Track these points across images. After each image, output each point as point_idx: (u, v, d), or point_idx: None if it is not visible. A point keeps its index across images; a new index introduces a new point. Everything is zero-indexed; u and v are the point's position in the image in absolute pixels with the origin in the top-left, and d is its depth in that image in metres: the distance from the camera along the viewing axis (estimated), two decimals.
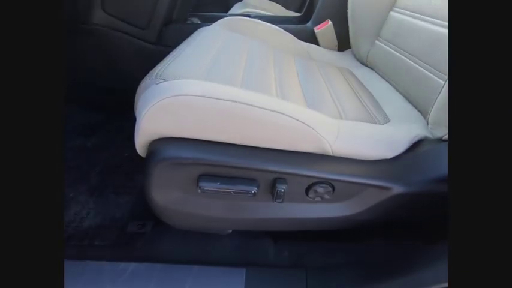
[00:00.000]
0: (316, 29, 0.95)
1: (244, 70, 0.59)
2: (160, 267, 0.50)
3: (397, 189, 0.44)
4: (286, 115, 0.41)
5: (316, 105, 0.55)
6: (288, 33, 0.88)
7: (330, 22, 0.93)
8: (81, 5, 0.84)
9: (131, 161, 0.82)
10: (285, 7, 1.84)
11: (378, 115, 0.56)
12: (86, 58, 0.94)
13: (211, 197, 0.44)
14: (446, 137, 0.48)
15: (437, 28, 0.57)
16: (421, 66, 0.59)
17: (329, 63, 0.84)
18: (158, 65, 0.54)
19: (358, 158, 0.45)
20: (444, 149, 0.47)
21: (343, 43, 0.94)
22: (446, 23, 0.55)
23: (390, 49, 0.71)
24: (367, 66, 0.84)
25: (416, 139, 0.49)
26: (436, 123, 0.50)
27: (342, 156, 0.44)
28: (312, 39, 0.96)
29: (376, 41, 0.79)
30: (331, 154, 0.44)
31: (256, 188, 0.42)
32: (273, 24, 0.88)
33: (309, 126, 0.41)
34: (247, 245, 0.56)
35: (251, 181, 0.42)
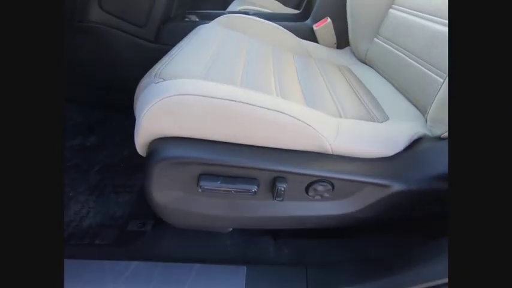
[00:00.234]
0: (315, 27, 0.95)
1: (244, 69, 0.59)
2: (161, 265, 0.50)
3: (396, 186, 0.44)
4: (286, 114, 0.41)
5: (316, 104, 0.55)
6: (287, 31, 0.87)
7: (329, 19, 0.93)
8: (78, 3, 0.84)
9: (131, 160, 0.82)
10: (283, 4, 1.83)
11: (377, 113, 0.56)
12: (84, 56, 0.93)
13: (212, 196, 0.44)
14: (445, 134, 0.49)
15: (436, 26, 0.57)
16: (419, 64, 0.59)
17: (328, 61, 0.84)
18: (157, 64, 0.54)
19: (357, 156, 0.45)
20: (443, 146, 0.47)
21: (342, 41, 0.94)
22: (445, 21, 0.55)
23: (389, 47, 0.71)
24: (366, 64, 0.84)
25: (415, 137, 0.49)
26: (435, 121, 0.50)
27: (342, 154, 0.45)
28: (311, 36, 0.95)
29: (375, 39, 0.79)
30: (331, 152, 0.44)
31: (256, 187, 0.42)
32: (272, 21, 0.88)
33: (309, 125, 0.42)
34: (247, 243, 0.56)
35: (251, 180, 0.42)
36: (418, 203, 0.47)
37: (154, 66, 0.53)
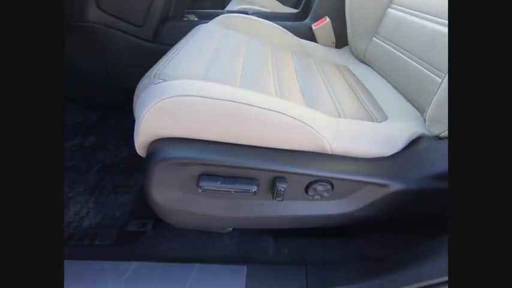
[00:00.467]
0: (314, 26, 0.95)
1: (243, 69, 0.59)
2: (161, 265, 0.50)
3: (395, 186, 0.44)
4: (285, 114, 0.41)
5: (315, 104, 0.56)
6: (286, 30, 0.87)
7: (327, 19, 0.93)
8: (76, 2, 0.83)
9: (130, 160, 0.82)
10: (281, 3, 1.83)
11: (376, 113, 0.56)
12: (82, 56, 0.93)
13: (212, 196, 0.44)
14: (443, 134, 0.49)
15: (434, 26, 0.57)
16: (418, 64, 0.59)
17: (327, 61, 0.84)
18: (156, 64, 0.54)
19: (356, 156, 0.46)
20: (442, 146, 0.48)
21: (341, 40, 0.94)
22: (444, 21, 0.55)
23: (388, 46, 0.72)
24: (365, 64, 0.84)
25: (413, 137, 0.49)
26: (434, 121, 0.51)
27: (341, 154, 0.45)
28: (310, 36, 0.95)
29: (374, 38, 0.79)
30: (330, 152, 0.44)
31: (256, 187, 0.42)
32: (271, 21, 0.88)
33: (308, 125, 0.42)
34: (247, 243, 0.56)
35: (251, 180, 0.43)
36: (417, 202, 0.47)
37: (154, 67, 0.53)
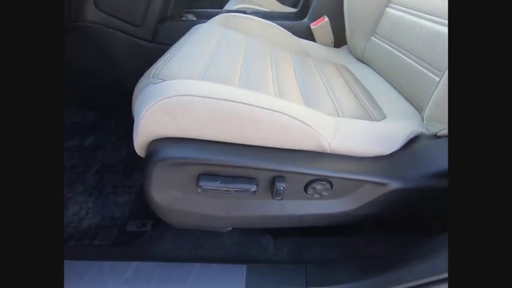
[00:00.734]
0: (312, 25, 0.95)
1: (242, 68, 0.59)
2: (161, 265, 0.50)
3: (394, 185, 0.45)
4: (284, 114, 0.41)
5: (314, 103, 0.56)
6: (285, 30, 0.87)
7: (326, 18, 0.93)
8: (74, 2, 0.83)
9: (129, 160, 0.82)
10: (280, 2, 1.83)
11: (375, 112, 0.56)
12: (80, 56, 0.93)
13: (211, 196, 0.44)
14: (441, 132, 0.49)
15: (432, 25, 0.57)
16: (416, 63, 0.59)
17: (326, 60, 0.85)
18: (155, 64, 0.54)
19: (355, 155, 0.46)
20: (440, 144, 0.48)
21: (339, 39, 0.94)
22: (442, 20, 0.55)
23: (386, 45, 0.72)
24: (364, 63, 0.84)
25: (412, 135, 0.49)
26: (432, 120, 0.51)
27: (340, 153, 0.45)
28: (309, 35, 0.95)
29: (372, 37, 0.79)
30: (329, 152, 0.44)
31: (255, 186, 0.43)
32: (269, 20, 0.88)
33: (307, 125, 0.42)
34: (247, 242, 0.56)
35: (250, 179, 0.43)
36: (416, 201, 0.47)
37: (152, 67, 0.53)
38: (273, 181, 0.43)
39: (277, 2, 1.82)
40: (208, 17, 0.89)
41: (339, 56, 0.89)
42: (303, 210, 0.48)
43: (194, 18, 1.11)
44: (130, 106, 0.50)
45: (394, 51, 0.68)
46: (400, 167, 0.46)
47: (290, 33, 0.88)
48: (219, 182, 0.42)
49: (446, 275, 0.37)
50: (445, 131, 0.49)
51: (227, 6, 1.60)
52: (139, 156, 0.45)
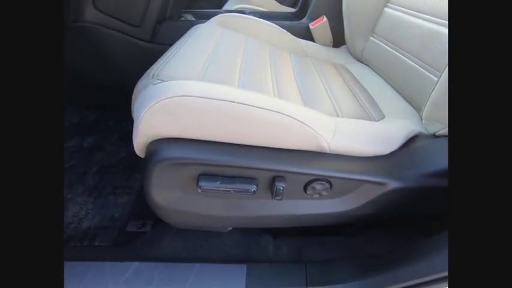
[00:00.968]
0: (311, 25, 0.95)
1: (241, 69, 0.59)
2: (161, 266, 0.50)
3: (393, 184, 0.45)
4: (284, 114, 0.41)
5: (313, 103, 0.56)
6: (283, 30, 0.88)
7: (325, 18, 0.93)
8: (72, 2, 0.83)
9: (129, 161, 0.82)
10: (279, 2, 1.83)
11: (373, 112, 0.57)
12: (79, 56, 0.92)
13: (211, 196, 0.45)
14: (440, 132, 0.49)
15: (430, 25, 0.57)
16: (414, 63, 0.59)
17: (325, 60, 0.85)
18: (154, 65, 0.54)
19: (354, 154, 0.46)
20: (438, 144, 0.48)
21: (338, 39, 0.94)
22: (440, 20, 0.55)
23: (385, 45, 0.72)
24: (362, 63, 0.84)
25: (410, 135, 0.50)
26: (430, 119, 0.51)
27: (339, 153, 0.45)
28: (307, 35, 0.96)
29: (371, 37, 0.80)
30: (328, 151, 0.45)
31: (255, 187, 0.43)
32: (268, 20, 0.88)
33: (307, 125, 0.42)
34: (247, 242, 0.57)
35: (250, 180, 0.43)
36: (415, 200, 0.48)
37: (152, 67, 0.53)
38: (272, 181, 0.43)
39: (275, 2, 1.82)
40: (207, 17, 0.89)
41: (338, 56, 0.89)
42: (303, 210, 0.48)
43: (193, 19, 1.11)
44: (130, 106, 0.50)
45: (393, 51, 0.68)
46: (399, 167, 0.46)
47: (289, 33, 0.88)
48: (219, 182, 0.42)
49: (446, 274, 0.38)
50: (444, 131, 0.49)
51: (226, 6, 1.60)
52: (139, 157, 0.45)
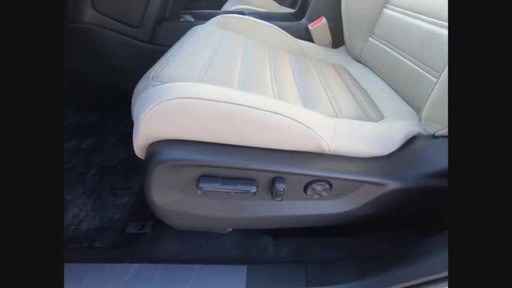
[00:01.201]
0: (310, 26, 0.95)
1: (240, 70, 0.60)
2: (161, 267, 0.50)
3: (392, 185, 0.45)
4: (283, 115, 0.41)
5: (312, 104, 0.56)
6: (283, 31, 0.88)
7: (324, 19, 0.93)
8: (71, 3, 0.83)
9: (128, 162, 0.82)
10: (278, 3, 1.83)
11: (373, 112, 0.57)
12: (78, 57, 0.92)
13: (212, 197, 0.45)
14: (439, 133, 0.50)
15: (429, 26, 0.58)
16: (413, 64, 0.60)
17: (324, 61, 0.85)
18: (154, 66, 0.54)
19: (354, 155, 0.46)
20: (438, 144, 0.48)
21: (337, 40, 0.94)
22: (439, 21, 0.56)
23: (384, 46, 0.72)
24: (361, 63, 0.84)
25: (410, 135, 0.50)
26: (429, 120, 0.51)
27: (339, 154, 0.45)
28: (307, 36, 0.96)
29: (370, 38, 0.80)
30: (328, 152, 0.45)
31: (255, 188, 0.43)
32: (267, 21, 0.88)
33: (307, 126, 0.42)
34: (247, 243, 0.57)
35: (250, 181, 0.43)
36: (415, 200, 0.48)
37: (152, 69, 0.53)
38: (272, 182, 0.43)
39: (275, 3, 1.82)
40: (206, 18, 0.89)
41: (337, 56, 0.90)
42: (303, 210, 0.48)
43: (192, 19, 1.11)
44: (129, 107, 0.50)
45: (392, 52, 0.68)
46: (399, 167, 0.46)
47: (288, 34, 0.88)
48: (219, 184, 0.42)
49: (446, 274, 0.38)
50: (443, 131, 0.49)
51: (225, 7, 1.60)
52: (138, 158, 0.45)
